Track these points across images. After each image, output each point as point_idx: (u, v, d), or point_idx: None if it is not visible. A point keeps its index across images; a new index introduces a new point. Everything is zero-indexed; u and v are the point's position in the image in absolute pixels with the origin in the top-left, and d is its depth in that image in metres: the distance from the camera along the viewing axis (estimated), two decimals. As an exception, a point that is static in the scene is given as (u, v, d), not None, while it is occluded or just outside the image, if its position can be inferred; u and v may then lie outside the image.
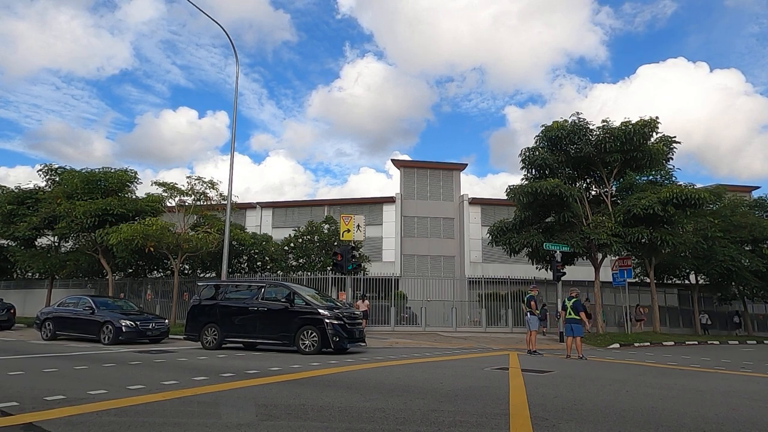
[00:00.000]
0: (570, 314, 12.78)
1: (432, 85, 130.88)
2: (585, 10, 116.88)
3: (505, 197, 22.68)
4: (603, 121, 21.47)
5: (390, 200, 35.08)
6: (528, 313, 13.82)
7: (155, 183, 22.43)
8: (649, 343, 18.99)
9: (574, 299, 12.94)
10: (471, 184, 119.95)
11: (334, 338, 11.63)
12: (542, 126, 22.06)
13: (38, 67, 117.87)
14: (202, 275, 26.27)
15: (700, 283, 27.80)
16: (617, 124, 21.07)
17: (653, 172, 22.95)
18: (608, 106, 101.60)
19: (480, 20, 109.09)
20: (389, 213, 34.97)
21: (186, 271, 26.39)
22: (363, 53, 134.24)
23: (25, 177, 61.49)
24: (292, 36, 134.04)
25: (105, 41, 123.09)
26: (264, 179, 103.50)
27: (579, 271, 25.06)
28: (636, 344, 18.46)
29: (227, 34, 18.97)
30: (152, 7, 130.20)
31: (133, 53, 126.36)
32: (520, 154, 22.13)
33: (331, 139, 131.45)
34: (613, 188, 23.13)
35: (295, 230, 27.26)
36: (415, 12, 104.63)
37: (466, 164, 38.91)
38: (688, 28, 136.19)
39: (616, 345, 17.63)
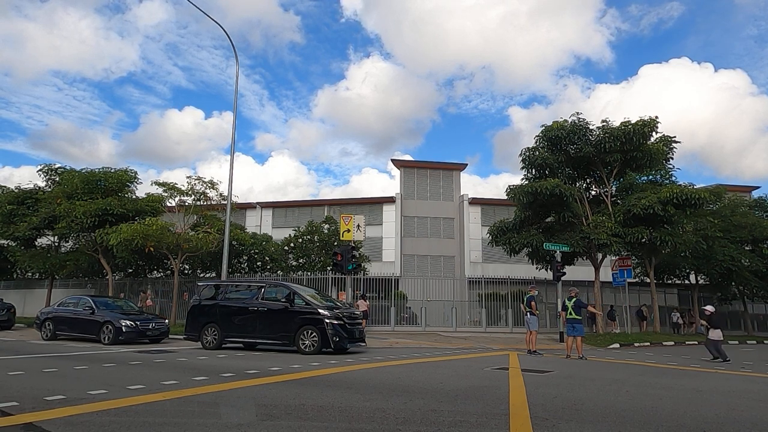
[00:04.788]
0: (571, 314, 12.81)
1: (440, 86, 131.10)
2: (590, 12, 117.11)
3: (506, 197, 22.69)
4: (603, 121, 21.48)
5: (390, 200, 35.06)
6: (528, 314, 13.82)
7: (155, 183, 22.45)
8: (649, 343, 18.98)
9: (574, 299, 12.97)
10: (474, 185, 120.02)
11: (334, 338, 11.62)
12: (542, 126, 22.09)
13: (45, 68, 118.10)
14: (202, 275, 26.27)
15: (700, 283, 27.80)
16: (618, 124, 21.09)
17: (653, 172, 22.92)
18: (612, 105, 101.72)
19: (487, 20, 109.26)
20: (389, 213, 34.95)
21: (186, 271, 26.38)
22: (367, 55, 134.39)
23: (30, 177, 61.47)
24: (301, 39, 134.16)
25: (113, 43, 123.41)
26: (267, 179, 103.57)
27: (579, 271, 25.05)
28: (636, 344, 18.46)
29: (228, 36, 18.98)
30: (162, 9, 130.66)
31: (140, 55, 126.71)
32: (521, 154, 22.13)
33: (336, 139, 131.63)
34: (613, 188, 23.11)
35: (295, 230, 27.24)
36: (421, 13, 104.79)
37: (466, 164, 38.90)
38: (688, 29, 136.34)
39: (616, 345, 17.62)
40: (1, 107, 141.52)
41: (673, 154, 22.12)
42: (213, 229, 21.79)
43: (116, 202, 21.47)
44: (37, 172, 24.46)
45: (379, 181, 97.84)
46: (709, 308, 14.03)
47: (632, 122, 20.76)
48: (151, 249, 20.00)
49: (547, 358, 12.37)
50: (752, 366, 12.16)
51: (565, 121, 21.60)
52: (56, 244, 25.62)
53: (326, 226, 26.48)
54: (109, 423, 4.41)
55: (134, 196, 23.69)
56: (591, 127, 21.47)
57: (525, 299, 14.28)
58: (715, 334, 13.44)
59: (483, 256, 34.36)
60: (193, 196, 21.87)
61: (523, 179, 22.32)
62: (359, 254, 22.82)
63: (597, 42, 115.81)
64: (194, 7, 17.45)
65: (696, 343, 21.63)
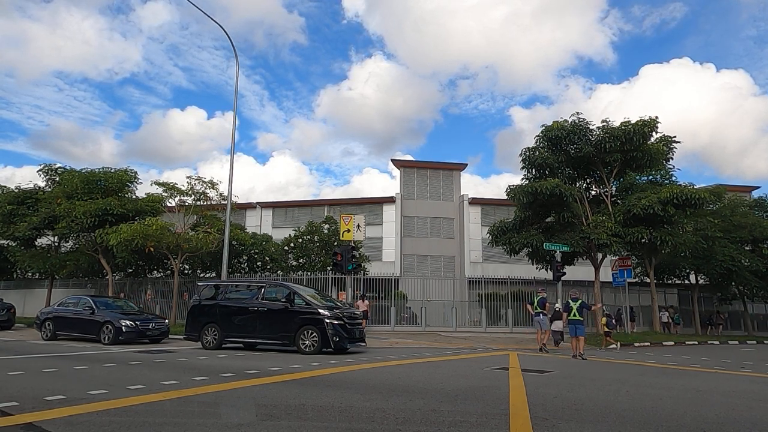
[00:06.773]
0: (575, 315, 12.98)
1: (443, 86, 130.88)
2: (593, 12, 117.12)
3: (506, 197, 22.69)
4: (603, 121, 21.50)
5: (390, 200, 35.07)
6: (540, 314, 14.51)
7: (155, 183, 22.45)
8: (649, 343, 18.98)
9: (580, 301, 13.23)
10: (475, 185, 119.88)
11: (334, 338, 11.63)
12: (543, 126, 22.09)
13: (48, 69, 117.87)
14: (202, 275, 26.26)
15: (700, 283, 27.79)
16: (618, 124, 21.09)
17: (653, 172, 22.93)
18: (613, 106, 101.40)
19: (490, 20, 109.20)
20: (389, 213, 34.95)
21: (186, 271, 26.38)
22: (369, 55, 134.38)
23: (32, 177, 61.28)
24: (304, 39, 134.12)
25: (117, 44, 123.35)
26: (269, 179, 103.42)
27: (579, 271, 25.05)
28: (636, 344, 18.46)
29: (228, 37, 18.99)
30: (165, 11, 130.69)
31: (144, 56, 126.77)
32: (521, 154, 22.14)
33: (338, 139, 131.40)
34: (613, 188, 23.12)
35: (295, 230, 27.24)
36: (423, 13, 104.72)
37: (466, 164, 38.90)
38: (689, 30, 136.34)
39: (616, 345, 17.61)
40: (2, 107, 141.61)
41: (673, 154, 22.16)
42: (213, 229, 21.79)
43: (116, 202, 21.46)
44: (37, 172, 24.49)
45: (379, 181, 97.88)
46: (557, 306, 16.42)
47: (632, 122, 20.78)
48: (151, 249, 20.00)
49: (547, 358, 12.39)
50: (752, 366, 12.16)
51: (566, 121, 21.61)
52: (56, 244, 25.62)
53: (326, 226, 26.49)
54: (109, 423, 4.41)
55: (134, 196, 23.69)
56: (591, 127, 21.48)
57: (537, 300, 14.85)
58: (556, 326, 16.03)
59: (483, 256, 34.36)
60: (193, 196, 21.87)
61: (523, 179, 22.33)
62: (359, 254, 22.81)
63: (599, 42, 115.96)
64: (196, 9, 17.48)
65: (696, 343, 21.65)
